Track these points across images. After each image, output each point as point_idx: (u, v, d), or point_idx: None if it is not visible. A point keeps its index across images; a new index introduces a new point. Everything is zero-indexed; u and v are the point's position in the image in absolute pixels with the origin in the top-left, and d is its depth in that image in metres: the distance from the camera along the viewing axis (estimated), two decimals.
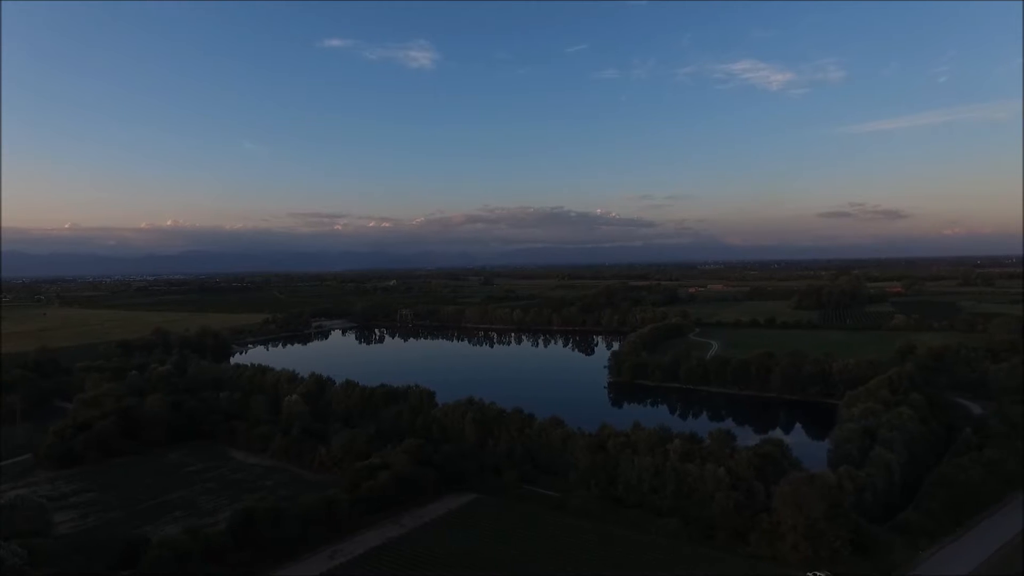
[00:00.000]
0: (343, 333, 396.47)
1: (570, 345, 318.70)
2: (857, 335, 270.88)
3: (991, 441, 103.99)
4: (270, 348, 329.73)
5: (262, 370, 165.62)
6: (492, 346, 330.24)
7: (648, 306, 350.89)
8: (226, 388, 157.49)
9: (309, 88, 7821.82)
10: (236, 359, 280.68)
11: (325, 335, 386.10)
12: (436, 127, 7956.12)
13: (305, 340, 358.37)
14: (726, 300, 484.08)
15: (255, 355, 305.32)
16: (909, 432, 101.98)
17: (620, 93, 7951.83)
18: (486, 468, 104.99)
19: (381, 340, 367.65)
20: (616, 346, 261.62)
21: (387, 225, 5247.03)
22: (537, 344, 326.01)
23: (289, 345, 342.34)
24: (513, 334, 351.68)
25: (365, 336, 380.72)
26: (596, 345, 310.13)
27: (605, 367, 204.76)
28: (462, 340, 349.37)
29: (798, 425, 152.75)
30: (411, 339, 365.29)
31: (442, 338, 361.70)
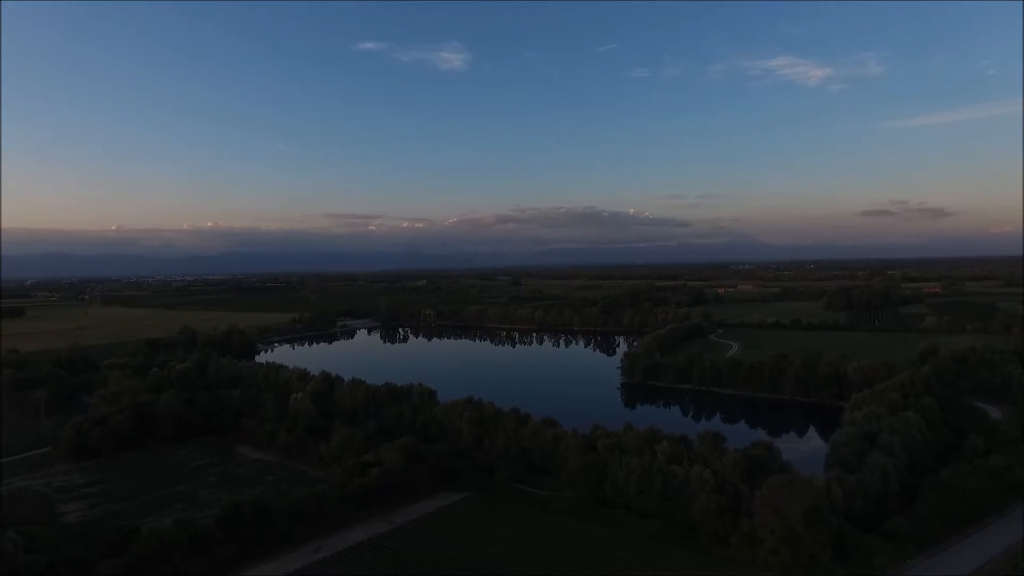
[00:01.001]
0: (368, 332, 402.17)
1: (591, 346, 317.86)
2: (884, 337, 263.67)
3: (1001, 447, 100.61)
4: (296, 347, 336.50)
5: (275, 368, 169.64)
6: (514, 346, 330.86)
7: (671, 307, 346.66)
8: (242, 386, 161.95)
9: (344, 91, 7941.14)
10: (261, 358, 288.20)
11: (351, 334, 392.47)
12: (468, 128, 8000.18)
13: (330, 339, 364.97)
14: (754, 301, 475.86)
15: (280, 354, 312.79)
16: (912, 437, 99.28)
17: (651, 91, 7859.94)
18: (480, 467, 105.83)
19: (405, 340, 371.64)
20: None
21: (420, 226, 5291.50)
22: (558, 344, 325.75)
23: (315, 344, 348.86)
24: (534, 334, 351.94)
25: (389, 336, 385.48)
26: (617, 346, 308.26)
27: (618, 368, 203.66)
28: (484, 340, 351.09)
29: (811, 428, 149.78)
30: (434, 339, 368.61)
31: (464, 338, 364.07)
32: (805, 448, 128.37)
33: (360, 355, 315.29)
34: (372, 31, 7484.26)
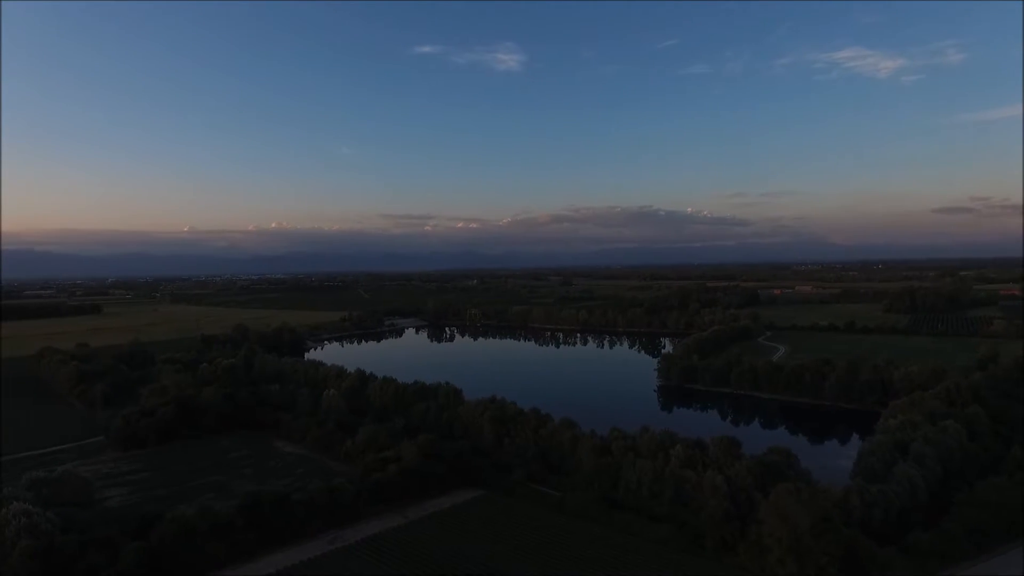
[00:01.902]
0: (416, 331, 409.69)
1: (636, 347, 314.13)
2: (946, 342, 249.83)
3: None
4: (344, 345, 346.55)
5: (315, 366, 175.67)
6: (558, 347, 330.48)
7: (719, 308, 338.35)
8: (283, 382, 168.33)
9: (401, 94, 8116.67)
10: (311, 355, 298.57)
11: (399, 333, 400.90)
12: (523, 128, 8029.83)
13: (379, 338, 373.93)
14: (811, 303, 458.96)
15: (329, 351, 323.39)
16: (948, 447, 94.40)
17: (712, 88, 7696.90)
18: (499, 465, 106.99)
19: (451, 339, 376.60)
20: None
21: (475, 226, 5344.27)
22: (602, 345, 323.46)
23: (363, 342, 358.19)
24: (579, 335, 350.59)
25: (436, 335, 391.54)
26: (662, 347, 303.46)
27: (655, 370, 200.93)
28: (528, 340, 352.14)
29: (855, 435, 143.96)
30: (480, 339, 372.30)
31: (509, 338, 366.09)
32: (848, 455, 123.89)
33: (404, 353, 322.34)
34: (428, 35, 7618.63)
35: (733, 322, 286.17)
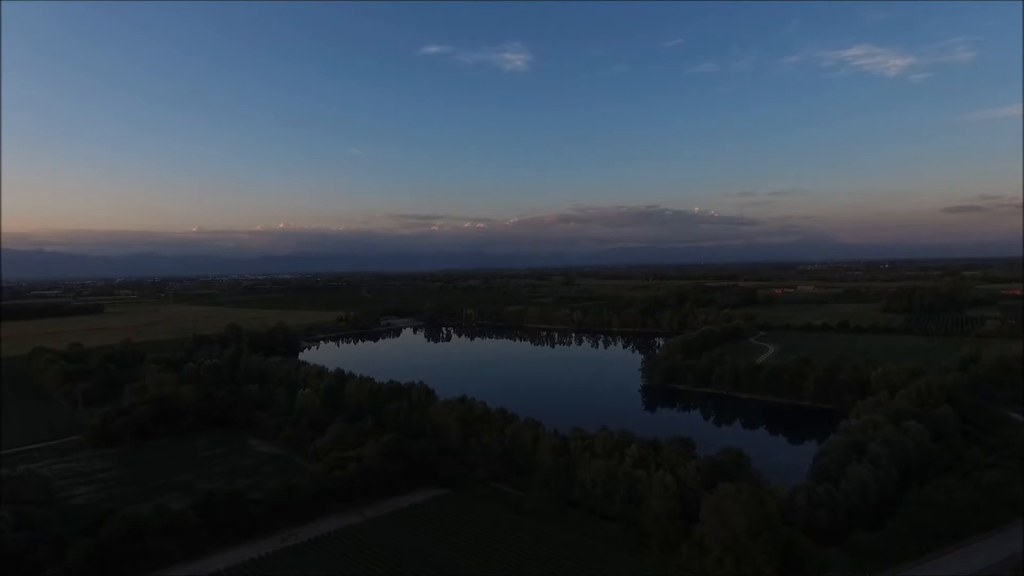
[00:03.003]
0: (414, 331, 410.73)
1: (630, 347, 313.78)
2: (938, 341, 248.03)
3: (1008, 462, 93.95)
4: (340, 344, 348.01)
5: (297, 365, 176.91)
6: (553, 346, 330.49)
7: (714, 308, 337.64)
8: (268, 381, 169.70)
9: (408, 94, 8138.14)
10: (305, 354, 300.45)
11: (396, 333, 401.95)
12: (530, 128, 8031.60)
13: (376, 337, 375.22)
14: (811, 302, 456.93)
15: (324, 351, 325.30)
16: (906, 448, 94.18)
17: (719, 87, 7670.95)
18: (465, 464, 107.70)
19: (448, 339, 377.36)
20: None
21: (481, 226, 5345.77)
22: (596, 345, 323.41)
23: (360, 342, 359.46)
24: (573, 335, 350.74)
25: (433, 335, 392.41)
26: (656, 347, 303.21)
27: (640, 370, 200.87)
28: (523, 340, 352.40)
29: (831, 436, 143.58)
30: (476, 338, 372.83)
31: (505, 338, 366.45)
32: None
33: (396, 353, 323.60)
34: (436, 35, 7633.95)
35: (726, 322, 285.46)
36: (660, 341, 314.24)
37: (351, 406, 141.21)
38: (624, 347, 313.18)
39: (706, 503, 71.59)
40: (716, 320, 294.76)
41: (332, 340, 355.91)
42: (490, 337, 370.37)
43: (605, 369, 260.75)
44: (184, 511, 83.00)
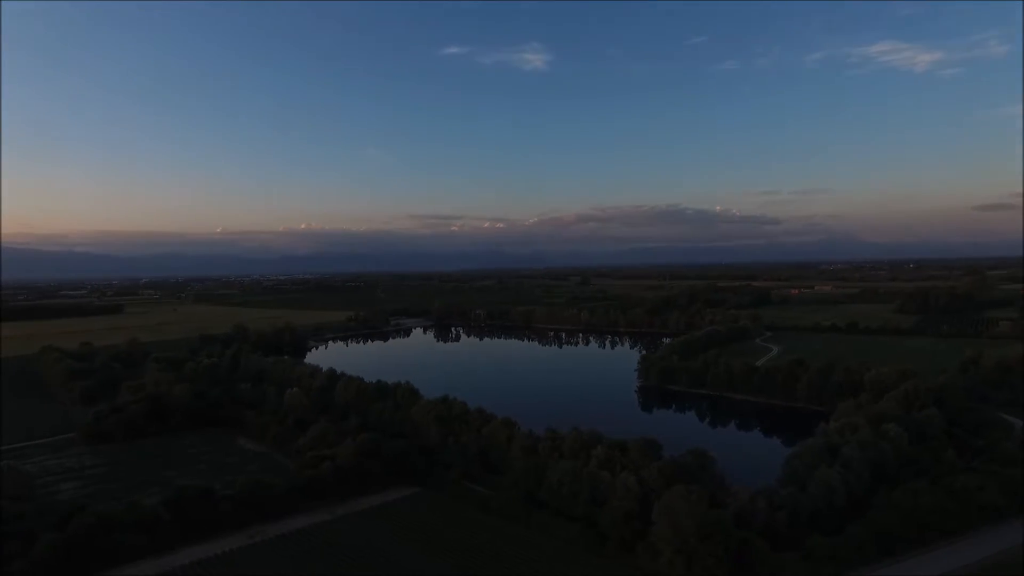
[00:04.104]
0: (424, 331, 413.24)
1: (637, 347, 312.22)
2: (948, 342, 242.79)
3: (987, 466, 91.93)
4: (349, 344, 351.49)
5: (292, 365, 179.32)
6: (561, 346, 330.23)
7: (721, 308, 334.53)
8: (265, 381, 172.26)
9: (428, 95, 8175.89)
10: (312, 354, 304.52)
11: (407, 333, 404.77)
12: (549, 127, 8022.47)
13: (385, 337, 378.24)
14: (826, 303, 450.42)
15: (331, 350, 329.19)
16: (880, 451, 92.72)
17: (741, 85, 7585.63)
18: (442, 464, 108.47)
19: (456, 339, 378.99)
20: None
21: (501, 226, 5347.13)
22: (603, 345, 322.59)
23: (370, 342, 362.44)
24: (581, 335, 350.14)
25: (442, 335, 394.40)
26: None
27: (635, 371, 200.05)
28: (531, 340, 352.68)
29: None
30: (485, 338, 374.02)
31: (513, 338, 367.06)
32: None
33: (402, 353, 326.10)
34: (455, 36, 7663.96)
35: (732, 323, 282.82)
36: (667, 341, 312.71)
37: (340, 405, 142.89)
38: (631, 347, 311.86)
39: (658, 505, 71.44)
40: (722, 321, 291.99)
41: (341, 340, 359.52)
42: (498, 337, 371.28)
43: (606, 369, 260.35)
44: (155, 507, 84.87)
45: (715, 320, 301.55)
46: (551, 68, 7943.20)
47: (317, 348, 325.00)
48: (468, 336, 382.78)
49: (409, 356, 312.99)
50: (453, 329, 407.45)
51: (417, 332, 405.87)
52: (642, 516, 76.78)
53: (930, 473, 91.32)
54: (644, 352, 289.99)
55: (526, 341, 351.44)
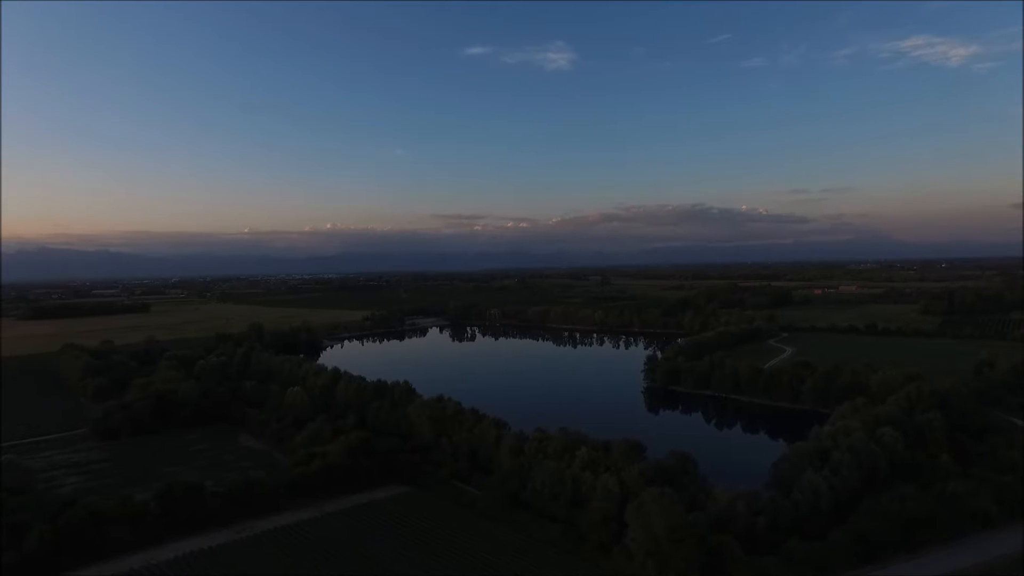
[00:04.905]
0: (440, 331, 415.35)
1: (652, 347, 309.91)
2: (970, 344, 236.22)
3: (984, 472, 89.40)
4: (364, 343, 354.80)
5: (299, 363, 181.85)
6: (575, 347, 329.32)
7: (737, 309, 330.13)
8: (273, 379, 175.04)
9: (452, 95, 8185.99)
10: (326, 352, 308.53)
11: (423, 332, 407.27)
12: (573, 127, 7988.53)
13: (401, 336, 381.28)
14: (849, 303, 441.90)
15: (347, 349, 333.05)
16: (873, 455, 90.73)
17: (767, 82, 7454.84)
18: (434, 463, 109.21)
19: (472, 339, 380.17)
20: None
21: (524, 225, 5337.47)
22: (617, 346, 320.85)
23: (386, 341, 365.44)
24: (595, 335, 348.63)
25: (458, 334, 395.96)
26: None
27: (642, 372, 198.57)
28: (546, 340, 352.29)
29: None
30: (501, 338, 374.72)
31: (528, 338, 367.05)
32: None
33: (415, 352, 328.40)
34: (478, 36, 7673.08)
35: (747, 323, 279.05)
36: (681, 342, 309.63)
37: (340, 404, 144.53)
38: (645, 348, 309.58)
39: (630, 507, 70.97)
40: (737, 321, 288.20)
41: (357, 339, 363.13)
42: (513, 337, 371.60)
43: (615, 370, 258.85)
44: (146, 502, 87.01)
45: (730, 321, 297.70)
46: (575, 67, 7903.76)
47: (332, 347, 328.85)
48: (483, 336, 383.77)
49: (421, 355, 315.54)
50: (468, 329, 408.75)
51: (433, 332, 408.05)
52: (619, 518, 76.35)
53: (925, 478, 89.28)
54: (655, 353, 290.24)
55: (540, 341, 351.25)
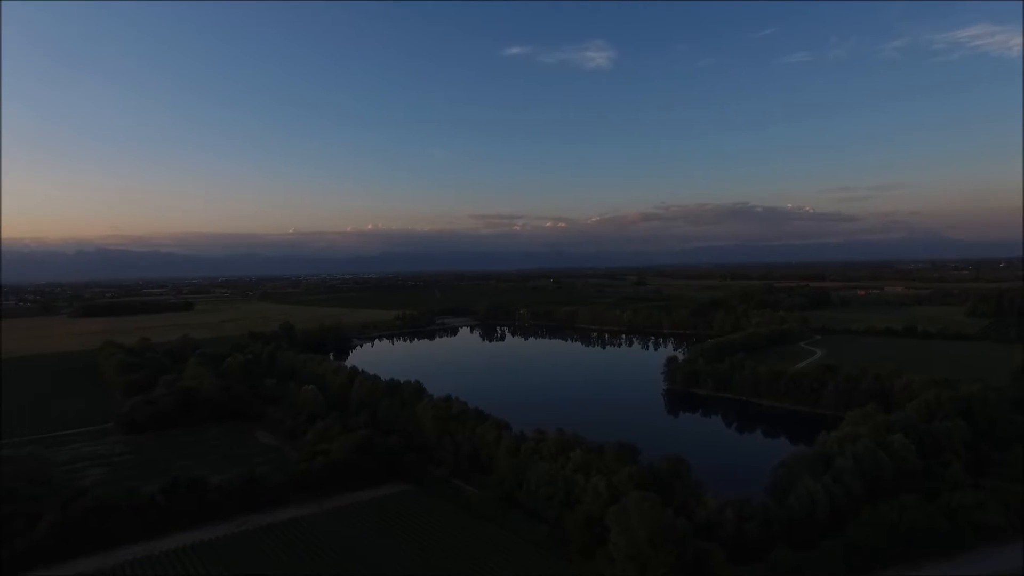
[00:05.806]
0: (471, 331, 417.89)
1: (681, 348, 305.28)
2: (1015, 349, 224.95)
3: (996, 483, 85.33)
4: (395, 342, 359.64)
5: (320, 362, 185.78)
6: (604, 347, 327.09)
7: (768, 310, 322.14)
8: (295, 376, 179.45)
9: (491, 95, 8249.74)
10: (356, 352, 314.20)
11: (453, 332, 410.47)
12: (612, 126, 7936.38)
13: (431, 336, 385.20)
14: (892, 305, 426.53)
15: (377, 348, 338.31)
16: (878, 463, 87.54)
17: (814, 77, 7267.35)
18: (437, 462, 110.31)
19: (502, 338, 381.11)
20: None
21: (563, 225, 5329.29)
22: (645, 347, 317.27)
23: (416, 340, 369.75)
24: (623, 335, 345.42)
25: (488, 334, 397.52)
26: None
27: (662, 374, 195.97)
28: (575, 340, 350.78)
29: None
30: (530, 338, 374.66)
31: (557, 338, 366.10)
32: None
33: (443, 352, 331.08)
34: (517, 36, 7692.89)
35: (778, 325, 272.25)
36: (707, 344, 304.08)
37: (355, 402, 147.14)
38: (674, 349, 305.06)
39: (611, 510, 70.31)
40: (768, 322, 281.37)
41: (387, 338, 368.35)
42: (542, 337, 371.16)
43: (640, 371, 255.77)
44: (152, 494, 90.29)
45: (761, 322, 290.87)
46: (614, 66, 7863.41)
47: (361, 346, 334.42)
48: (513, 336, 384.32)
49: (448, 354, 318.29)
50: (498, 328, 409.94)
51: (463, 331, 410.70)
52: (604, 521, 75.78)
53: (934, 488, 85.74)
54: (682, 354, 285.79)
55: (569, 341, 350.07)
